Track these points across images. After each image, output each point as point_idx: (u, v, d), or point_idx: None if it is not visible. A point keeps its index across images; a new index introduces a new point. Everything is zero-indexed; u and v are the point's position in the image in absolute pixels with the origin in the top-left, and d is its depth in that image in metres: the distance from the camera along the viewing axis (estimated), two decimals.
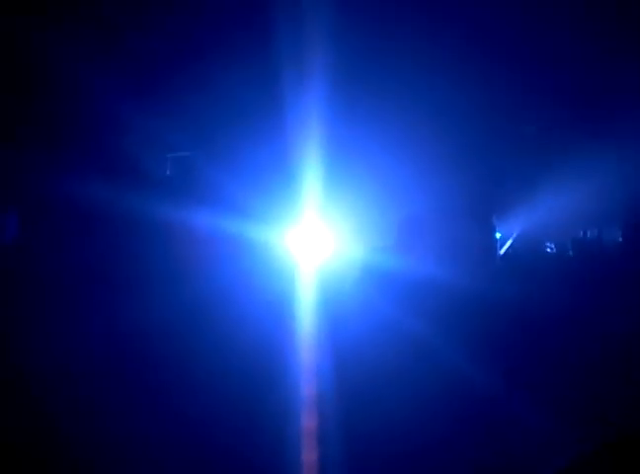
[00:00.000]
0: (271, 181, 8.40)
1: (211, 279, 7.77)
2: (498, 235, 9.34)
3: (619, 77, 9.12)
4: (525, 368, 7.08)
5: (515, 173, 9.66)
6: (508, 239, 9.72)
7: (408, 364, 6.46)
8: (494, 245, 9.27)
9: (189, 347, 7.25)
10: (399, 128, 8.47)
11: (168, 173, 8.88)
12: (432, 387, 6.45)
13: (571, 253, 9.65)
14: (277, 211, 8.27)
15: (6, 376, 6.57)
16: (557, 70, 9.08)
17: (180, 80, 8.36)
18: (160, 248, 8.22)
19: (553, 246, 9.65)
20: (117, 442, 6.10)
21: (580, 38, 8.85)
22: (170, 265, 8.21)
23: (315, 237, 8.27)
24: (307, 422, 6.26)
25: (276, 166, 8.41)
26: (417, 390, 6.33)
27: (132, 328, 7.30)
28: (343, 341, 6.71)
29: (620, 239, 9.63)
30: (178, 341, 7.33)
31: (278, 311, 7.43)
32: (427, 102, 8.56)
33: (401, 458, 6.19)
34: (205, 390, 6.68)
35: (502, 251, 9.61)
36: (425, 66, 8.58)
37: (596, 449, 4.65)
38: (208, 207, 8.05)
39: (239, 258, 8.20)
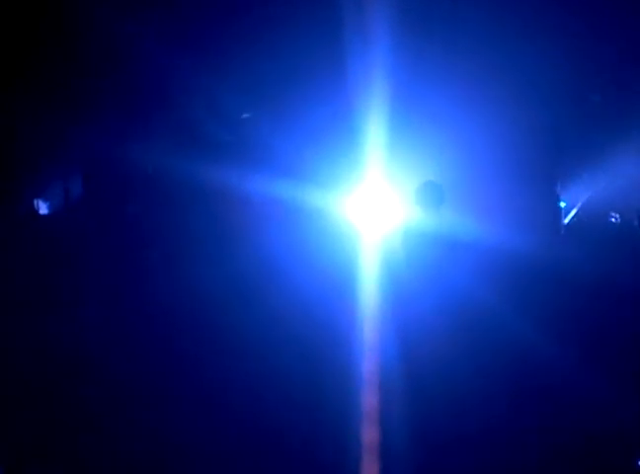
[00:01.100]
0: (332, 142, 8.16)
1: (268, 249, 7.63)
2: (562, 204, 9.12)
3: None
4: (603, 343, 6.88)
5: (580, 138, 9.41)
6: (572, 209, 9.49)
7: (479, 339, 6.26)
8: (558, 213, 9.05)
9: (241, 319, 7.15)
10: (466, 79, 8.18)
11: (229, 136, 8.72)
12: (505, 364, 6.27)
13: (637, 223, 9.38)
14: (338, 174, 8.02)
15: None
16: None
17: (238, 37, 8.17)
18: (219, 214, 8.11)
19: (618, 216, 9.39)
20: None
21: None
22: (228, 232, 8.10)
23: (379, 202, 7.96)
24: (369, 401, 6.09)
25: (336, 125, 8.16)
26: (489, 367, 6.15)
27: (186, 296, 7.23)
28: (409, 317, 6.50)
29: None
30: (231, 312, 7.23)
31: (337, 285, 7.22)
32: (497, 52, 8.25)
33: (471, 438, 6.00)
34: (257, 367, 6.56)
35: (566, 220, 9.39)
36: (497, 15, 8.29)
37: None
38: (269, 172, 7.89)
39: (297, 226, 8.04)
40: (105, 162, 8.10)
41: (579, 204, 9.46)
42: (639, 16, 8.86)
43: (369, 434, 5.79)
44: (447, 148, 8.19)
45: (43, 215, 8.63)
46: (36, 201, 8.44)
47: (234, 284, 7.23)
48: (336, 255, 7.39)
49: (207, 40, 8.30)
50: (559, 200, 8.98)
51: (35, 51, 7.94)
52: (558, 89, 8.91)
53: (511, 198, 8.38)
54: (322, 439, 5.71)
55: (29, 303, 6.94)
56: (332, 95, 8.22)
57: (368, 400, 6.02)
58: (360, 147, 7.94)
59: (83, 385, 6.31)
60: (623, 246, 8.86)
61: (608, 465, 5.41)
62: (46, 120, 7.89)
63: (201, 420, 5.92)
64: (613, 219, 9.58)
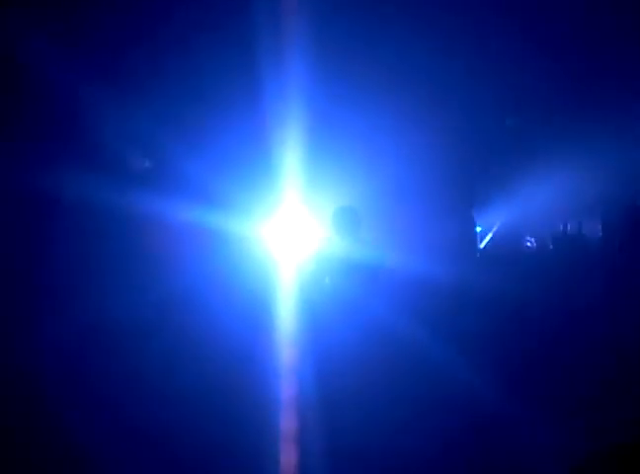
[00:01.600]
0: (246, 165, 7.98)
1: (180, 278, 7.41)
2: (478, 229, 9.25)
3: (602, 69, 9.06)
4: (516, 368, 6.93)
5: (496, 164, 9.60)
6: (487, 233, 9.65)
7: (395, 366, 6.24)
8: (474, 239, 9.16)
9: (153, 350, 6.95)
10: (386, 101, 8.17)
11: (142, 164, 8.57)
12: (420, 389, 6.25)
13: (551, 247, 9.61)
14: (253, 199, 7.84)
15: None
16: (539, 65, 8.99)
17: (148, 64, 8.02)
18: (131, 243, 7.92)
19: (533, 240, 9.60)
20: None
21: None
22: (139, 261, 7.89)
23: (297, 228, 7.82)
24: (286, 436, 5.97)
25: (251, 148, 7.99)
26: (404, 394, 6.13)
27: (97, 325, 7.04)
28: (325, 343, 6.40)
29: (600, 233, 9.62)
30: (142, 343, 7.03)
31: (252, 314, 7.02)
32: (414, 72, 8.28)
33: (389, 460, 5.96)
34: (171, 400, 6.37)
35: (481, 245, 9.53)
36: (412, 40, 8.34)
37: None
38: (181, 199, 7.70)
39: (212, 254, 7.84)
40: (19, 189, 7.93)
41: (494, 229, 9.62)
42: (558, 40, 9.09)
43: (287, 460, 5.75)
44: (366, 171, 8.19)
45: None
46: None
47: (148, 312, 7.07)
48: (252, 281, 7.27)
49: (120, 65, 8.14)
50: (475, 225, 9.12)
51: None
52: (475, 113, 9.07)
53: (427, 222, 8.47)
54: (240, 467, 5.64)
55: None
56: (246, 117, 8.04)
57: (286, 426, 5.95)
58: (276, 170, 7.82)
59: None
60: (538, 270, 9.04)
61: None
62: None
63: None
64: (529, 243, 9.77)
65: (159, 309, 7.25)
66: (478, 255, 9.29)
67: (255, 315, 6.86)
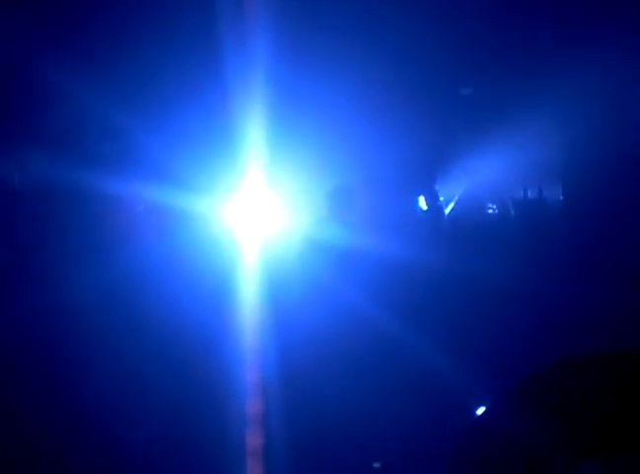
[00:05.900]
0: (206, 141, 7.71)
1: (146, 258, 7.19)
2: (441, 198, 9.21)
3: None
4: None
5: (453, 134, 9.54)
6: (449, 203, 9.61)
7: (364, 348, 6.13)
8: (441, 212, 9.10)
9: (117, 330, 6.78)
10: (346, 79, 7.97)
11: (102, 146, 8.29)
12: (390, 377, 6.15)
13: (513, 213, 9.61)
14: (213, 177, 7.56)
15: None
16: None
17: (111, 39, 7.72)
18: (90, 225, 7.68)
19: (495, 207, 9.59)
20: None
21: None
22: (105, 241, 7.68)
23: (260, 208, 7.60)
24: (251, 411, 5.86)
25: (211, 123, 7.71)
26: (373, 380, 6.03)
27: (54, 308, 6.84)
28: (292, 334, 6.23)
29: (561, 197, 9.64)
30: (106, 323, 6.86)
31: (214, 300, 6.78)
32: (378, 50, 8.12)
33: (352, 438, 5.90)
34: (134, 381, 6.23)
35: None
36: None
37: None
38: (146, 178, 7.44)
39: (168, 236, 7.58)
40: None
41: (455, 198, 9.58)
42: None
43: (253, 442, 5.68)
44: (332, 151, 8.03)
45: None
46: None
47: (111, 294, 6.86)
48: (215, 264, 7.07)
49: (78, 44, 7.87)
50: (438, 199, 9.06)
51: None
52: (432, 85, 8.97)
53: (394, 201, 8.37)
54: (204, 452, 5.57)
55: None
56: (209, 94, 7.83)
57: (250, 410, 5.86)
58: (240, 150, 7.60)
59: None
60: (500, 237, 9.03)
61: None
62: None
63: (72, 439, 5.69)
64: (491, 210, 9.76)
65: (118, 291, 7.05)
66: (444, 227, 9.23)
67: (217, 301, 6.68)
